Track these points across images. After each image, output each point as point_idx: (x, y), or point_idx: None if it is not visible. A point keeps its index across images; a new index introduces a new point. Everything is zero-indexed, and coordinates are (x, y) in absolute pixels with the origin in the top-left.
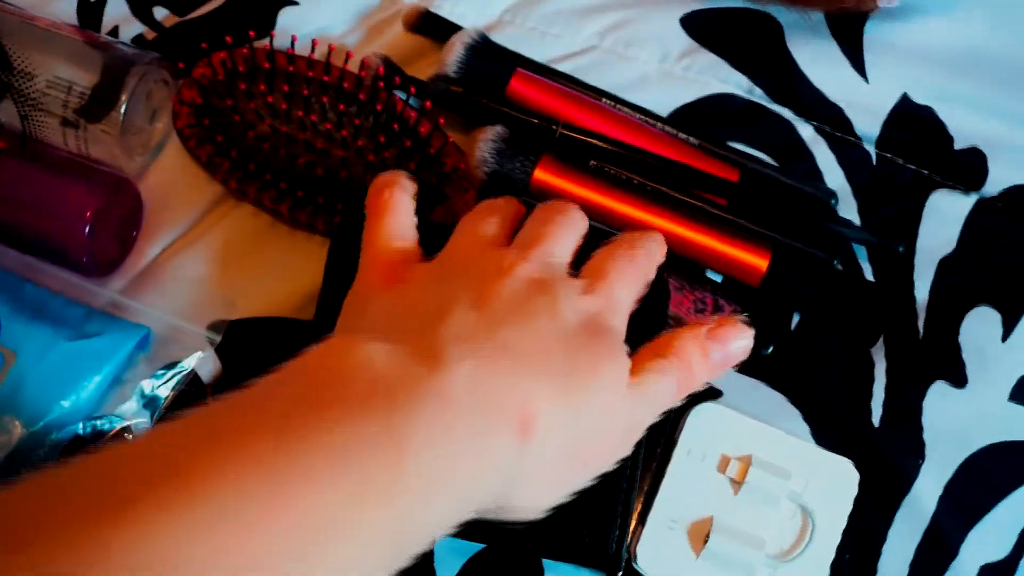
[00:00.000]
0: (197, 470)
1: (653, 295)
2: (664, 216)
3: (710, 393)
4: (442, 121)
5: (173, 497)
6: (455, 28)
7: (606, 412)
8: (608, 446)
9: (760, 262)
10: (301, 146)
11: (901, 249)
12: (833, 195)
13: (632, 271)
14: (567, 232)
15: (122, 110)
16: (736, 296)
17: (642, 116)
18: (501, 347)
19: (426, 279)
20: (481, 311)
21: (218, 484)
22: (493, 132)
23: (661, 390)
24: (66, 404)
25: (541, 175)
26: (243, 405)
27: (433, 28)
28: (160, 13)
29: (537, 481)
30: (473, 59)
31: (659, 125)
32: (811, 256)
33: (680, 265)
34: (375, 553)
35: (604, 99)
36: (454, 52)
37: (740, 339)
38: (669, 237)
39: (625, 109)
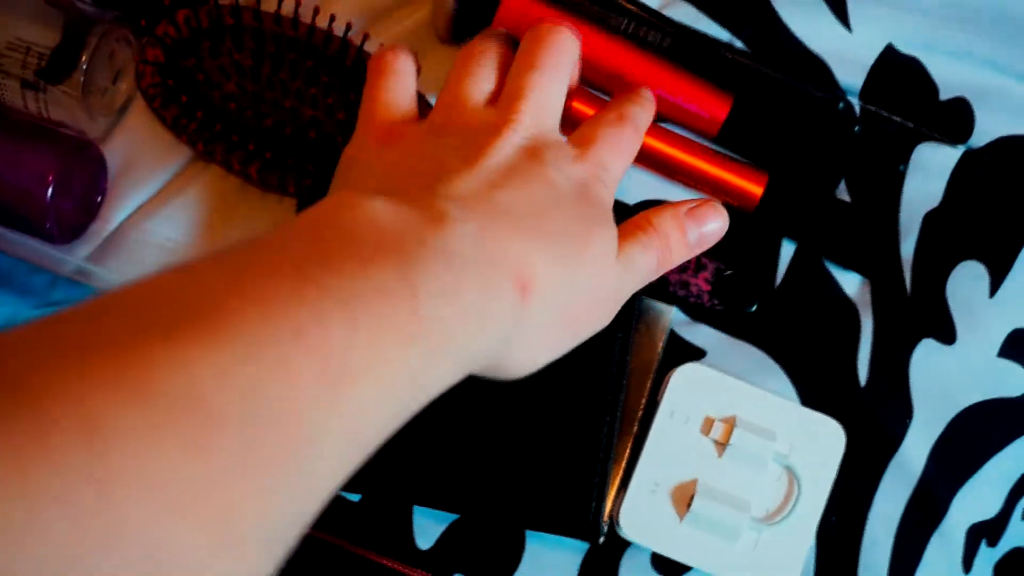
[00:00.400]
0: (226, 311)
1: None
2: (658, 138)
3: (693, 353)
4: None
5: (205, 335)
6: None
7: (597, 279)
8: (596, 312)
9: (755, 188)
10: (269, 105)
11: (902, 168)
12: (841, 97)
13: (620, 143)
14: (555, 72)
15: (83, 71)
16: (719, 254)
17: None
18: (501, 209)
19: (420, 140)
20: (476, 178)
21: (244, 326)
22: None
23: (644, 264)
24: None
25: None
26: (260, 253)
27: None
28: None
29: (531, 341)
30: None
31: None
32: (806, 183)
33: None
34: (389, 401)
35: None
36: None
37: (716, 219)
38: (661, 159)
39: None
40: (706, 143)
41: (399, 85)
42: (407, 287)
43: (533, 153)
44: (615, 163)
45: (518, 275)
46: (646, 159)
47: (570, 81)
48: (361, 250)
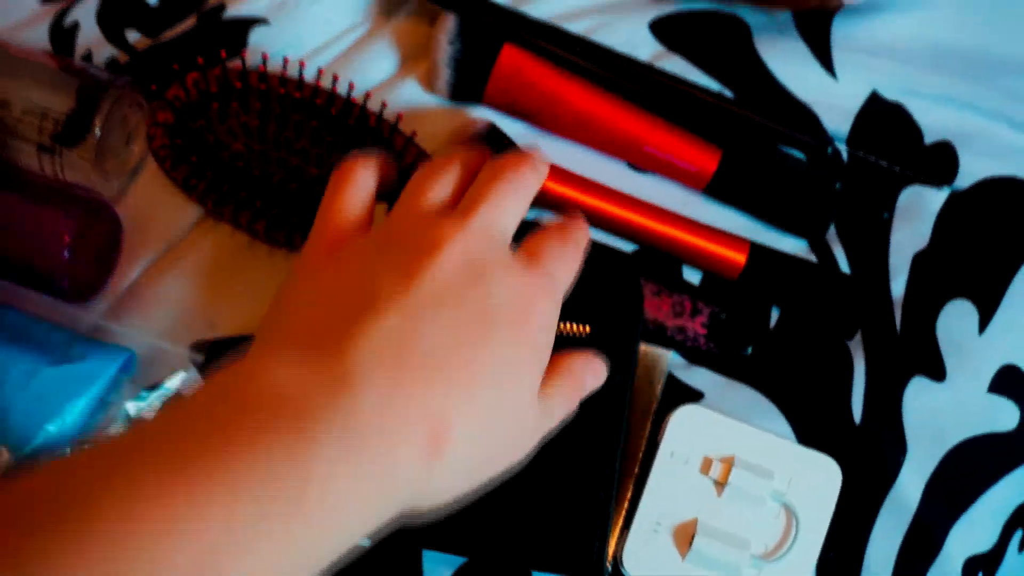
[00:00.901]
0: (94, 511)
1: (626, 301)
2: (642, 213)
3: (691, 395)
4: (415, 134)
5: (77, 534)
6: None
7: (517, 423)
8: (512, 456)
9: (738, 256)
10: (275, 164)
11: (886, 215)
12: (829, 143)
13: (567, 255)
14: (516, 191)
15: (97, 134)
16: (713, 299)
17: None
18: (421, 352)
19: (361, 255)
20: (404, 310)
21: (109, 529)
22: (477, 124)
23: (561, 412)
24: (52, 429)
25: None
26: (147, 442)
27: None
28: (132, 36)
29: (443, 491)
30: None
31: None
32: (787, 254)
33: (657, 270)
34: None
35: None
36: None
37: (600, 375)
38: (647, 233)
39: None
40: (695, 196)
41: (355, 195)
42: (298, 470)
43: (474, 269)
44: (564, 273)
45: (432, 429)
46: (631, 233)
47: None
48: (254, 433)
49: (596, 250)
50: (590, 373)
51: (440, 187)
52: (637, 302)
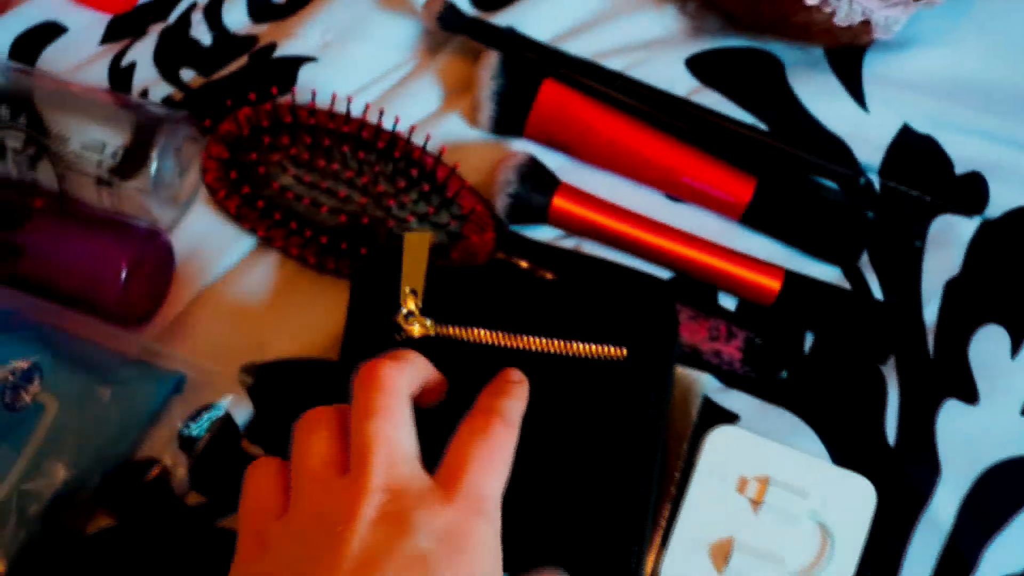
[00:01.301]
0: None
1: (662, 324)
2: (678, 241)
3: (727, 417)
4: (458, 166)
5: None
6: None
7: None
8: None
9: (773, 283)
10: (324, 194)
11: (918, 244)
12: (861, 173)
13: (492, 454)
14: (392, 413)
15: (152, 167)
16: (748, 323)
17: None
18: None
19: (283, 545)
20: None
21: None
22: (518, 157)
23: None
24: (106, 448)
25: (561, 202)
26: None
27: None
28: (187, 75)
29: None
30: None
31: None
32: (821, 280)
33: (693, 296)
34: None
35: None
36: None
37: None
38: (683, 261)
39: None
40: (730, 224)
41: (266, 487)
42: None
43: (394, 520)
44: (491, 483)
45: None
46: (667, 261)
47: (425, 392)
48: None
49: (632, 276)
50: None
51: (319, 444)
52: (672, 325)
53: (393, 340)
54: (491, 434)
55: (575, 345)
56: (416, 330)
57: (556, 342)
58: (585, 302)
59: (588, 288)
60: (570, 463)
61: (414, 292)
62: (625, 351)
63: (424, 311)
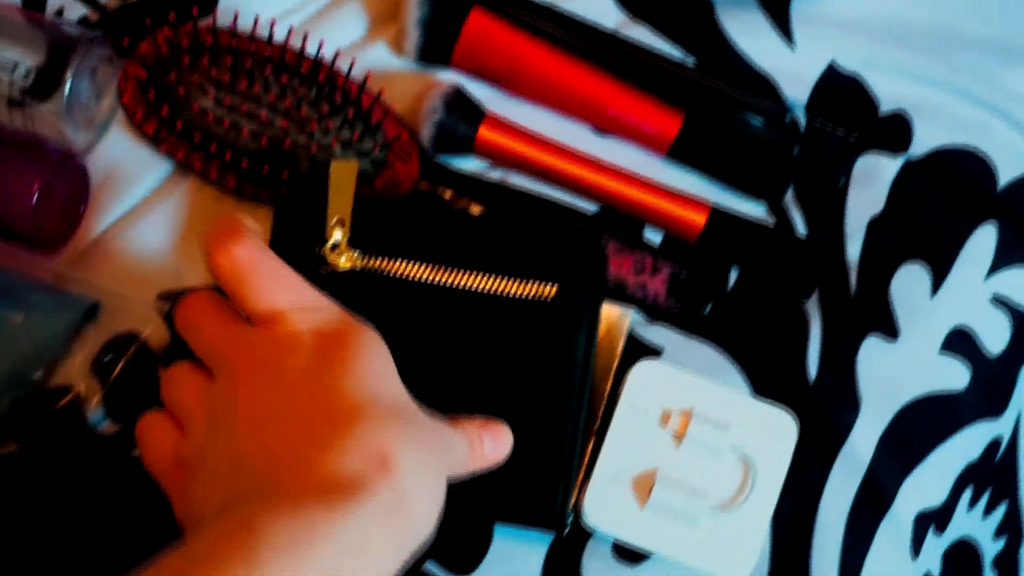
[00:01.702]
0: None
1: (590, 259)
2: (606, 174)
3: (651, 351)
4: (383, 92)
5: None
6: None
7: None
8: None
9: (698, 218)
10: (245, 117)
11: (843, 181)
12: (787, 110)
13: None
14: (247, 282)
15: (67, 88)
16: (673, 257)
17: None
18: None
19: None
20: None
21: None
22: (444, 86)
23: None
24: (16, 375)
25: (487, 132)
26: None
27: None
28: None
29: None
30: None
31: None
32: (746, 216)
33: (620, 229)
34: None
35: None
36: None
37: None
38: (610, 194)
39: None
40: (657, 160)
41: (160, 429)
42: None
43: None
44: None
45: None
46: (594, 194)
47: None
48: None
49: (560, 212)
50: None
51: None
52: (601, 264)
53: (316, 273)
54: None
55: (505, 282)
56: (342, 262)
57: (487, 278)
58: (515, 238)
59: (518, 224)
60: (497, 401)
61: (341, 222)
62: (554, 290)
63: (351, 243)
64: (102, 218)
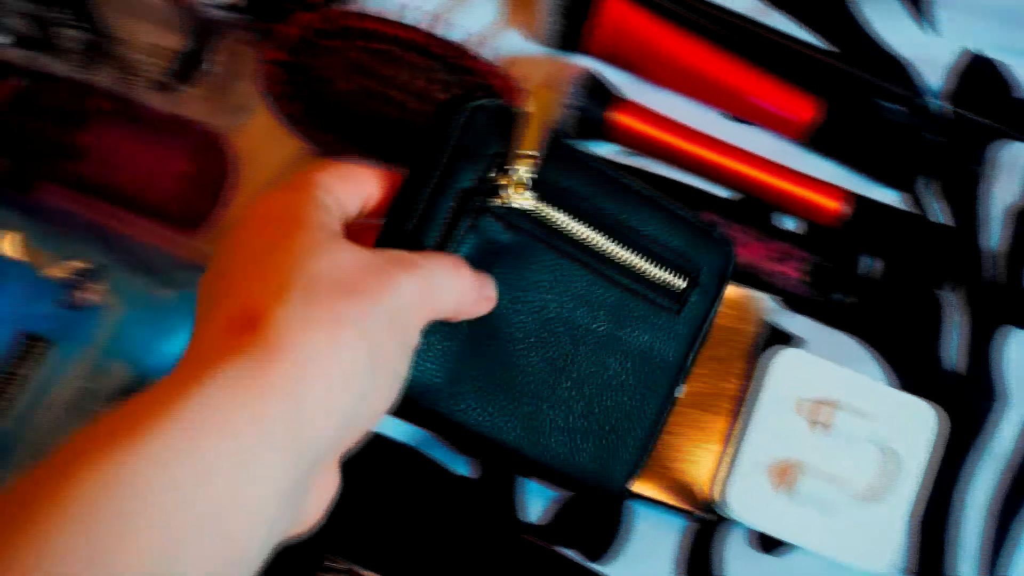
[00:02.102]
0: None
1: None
2: (744, 161)
3: (790, 340)
4: (516, 74)
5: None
6: None
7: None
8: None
9: (838, 205)
10: (381, 100)
11: (976, 168)
12: (926, 97)
13: None
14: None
15: (210, 71)
16: (814, 247)
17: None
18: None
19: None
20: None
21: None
22: (578, 70)
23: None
24: (167, 349)
25: (620, 117)
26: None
27: None
28: None
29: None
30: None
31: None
32: (889, 205)
33: (758, 217)
34: None
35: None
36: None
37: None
38: (748, 181)
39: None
40: (792, 146)
41: None
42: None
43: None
44: None
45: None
46: (732, 181)
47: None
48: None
49: (695, 195)
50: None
51: None
52: (727, 265)
53: (483, 201)
54: None
55: (651, 269)
56: (521, 198)
57: (634, 255)
58: (662, 221)
59: (668, 208)
60: (596, 374)
61: (533, 158)
62: (684, 283)
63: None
64: (246, 197)
